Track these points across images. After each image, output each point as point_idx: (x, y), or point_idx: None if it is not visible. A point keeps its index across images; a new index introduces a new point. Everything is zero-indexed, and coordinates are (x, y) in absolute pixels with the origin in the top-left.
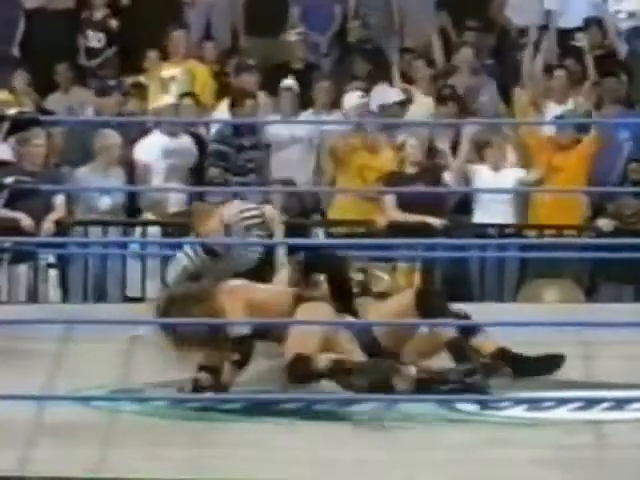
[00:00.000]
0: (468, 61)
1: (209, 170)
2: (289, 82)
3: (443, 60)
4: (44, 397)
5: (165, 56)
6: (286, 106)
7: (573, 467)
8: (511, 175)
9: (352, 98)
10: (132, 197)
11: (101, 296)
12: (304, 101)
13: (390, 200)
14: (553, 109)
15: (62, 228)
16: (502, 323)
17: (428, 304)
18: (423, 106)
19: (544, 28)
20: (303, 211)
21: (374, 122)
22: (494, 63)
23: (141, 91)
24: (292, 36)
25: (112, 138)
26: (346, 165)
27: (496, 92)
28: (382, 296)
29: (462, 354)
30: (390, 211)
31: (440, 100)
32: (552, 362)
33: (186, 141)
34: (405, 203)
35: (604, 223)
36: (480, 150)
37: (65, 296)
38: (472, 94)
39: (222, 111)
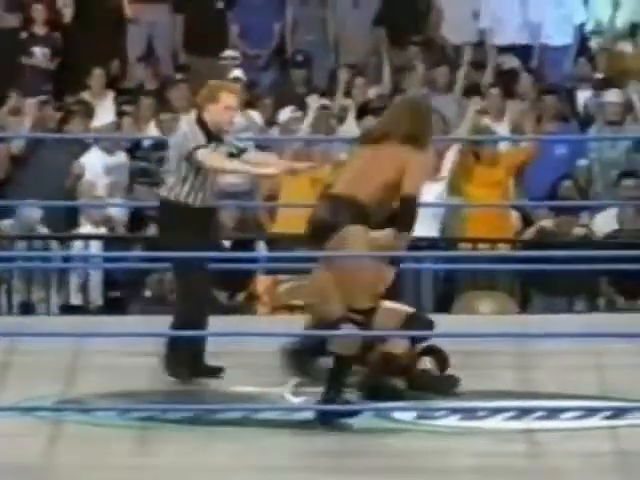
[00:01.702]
0: (418, 78)
1: (134, 187)
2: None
3: (390, 78)
4: None
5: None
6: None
7: (505, 475)
8: (436, 189)
9: (286, 113)
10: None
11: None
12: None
13: None
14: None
15: None
16: (441, 335)
17: None
18: (352, 123)
19: (479, 46)
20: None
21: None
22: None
23: (84, 108)
24: (227, 61)
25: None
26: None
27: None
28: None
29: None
30: None
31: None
32: (448, 383)
33: (123, 158)
34: None
35: (529, 233)
36: None
37: None
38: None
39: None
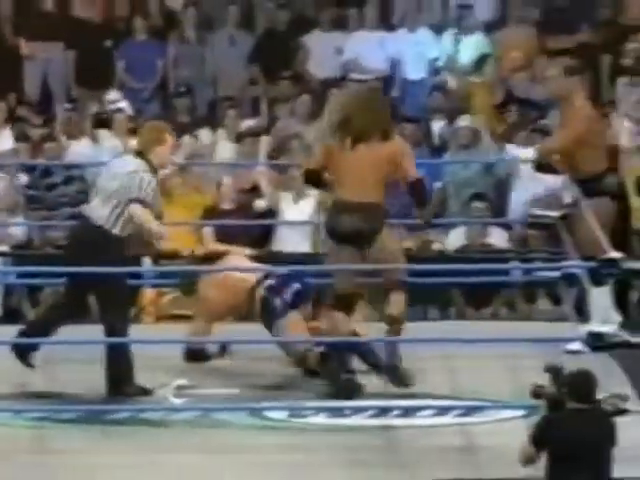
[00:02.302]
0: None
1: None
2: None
3: (266, 109)
4: None
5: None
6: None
7: (365, 468)
8: (308, 205)
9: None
10: None
11: None
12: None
13: (208, 232)
14: None
15: None
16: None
17: None
18: (226, 149)
19: (342, 79)
20: None
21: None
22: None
23: None
24: (110, 104)
25: None
26: (172, 200)
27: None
28: None
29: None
30: (208, 242)
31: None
32: (351, 388)
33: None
34: (221, 235)
35: None
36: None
37: None
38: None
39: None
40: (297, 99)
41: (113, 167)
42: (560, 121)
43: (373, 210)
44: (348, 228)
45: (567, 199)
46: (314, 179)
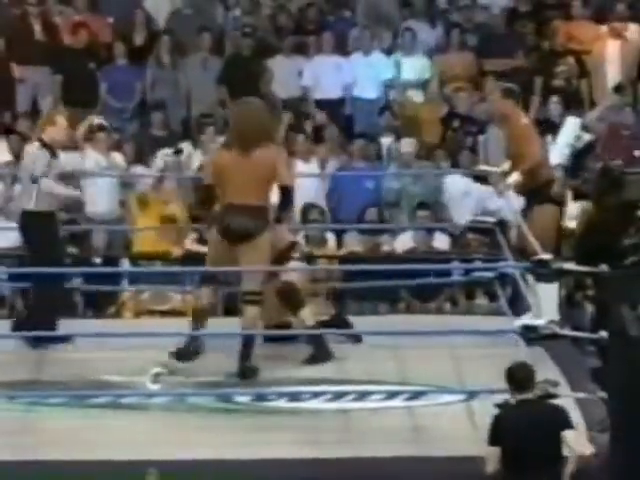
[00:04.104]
0: None
1: None
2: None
3: None
4: None
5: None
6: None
7: (324, 446)
8: None
9: (160, 156)
10: None
11: None
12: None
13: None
14: (300, 165)
15: None
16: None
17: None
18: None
19: (302, 100)
20: None
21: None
22: None
23: None
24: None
25: None
26: (148, 209)
27: None
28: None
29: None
30: (189, 244)
31: None
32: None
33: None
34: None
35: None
36: None
37: None
38: None
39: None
40: None
41: None
42: (507, 138)
43: (254, 211)
44: (234, 227)
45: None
46: (209, 195)
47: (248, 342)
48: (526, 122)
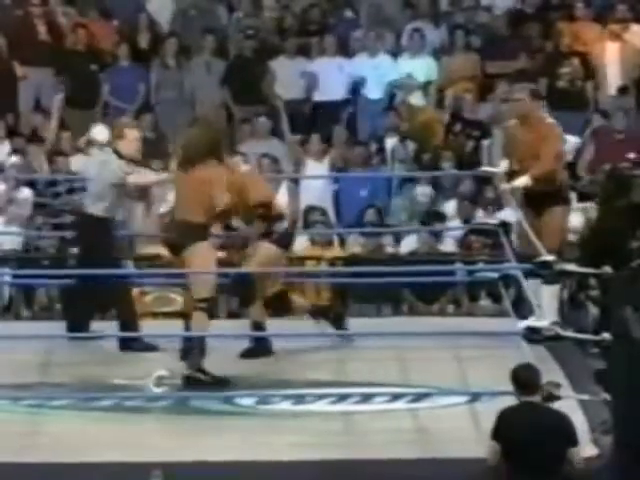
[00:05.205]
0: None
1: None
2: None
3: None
4: None
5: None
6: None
7: (328, 449)
8: None
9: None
10: None
11: None
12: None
13: None
14: (312, 165)
15: None
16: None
17: None
18: None
19: (306, 101)
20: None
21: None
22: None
23: None
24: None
25: None
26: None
27: None
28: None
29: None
30: None
31: None
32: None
33: (26, 193)
34: None
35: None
36: None
37: None
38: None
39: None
40: (256, 120)
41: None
42: (526, 139)
43: (184, 227)
44: (169, 242)
45: None
46: None
47: (194, 347)
48: (551, 121)
